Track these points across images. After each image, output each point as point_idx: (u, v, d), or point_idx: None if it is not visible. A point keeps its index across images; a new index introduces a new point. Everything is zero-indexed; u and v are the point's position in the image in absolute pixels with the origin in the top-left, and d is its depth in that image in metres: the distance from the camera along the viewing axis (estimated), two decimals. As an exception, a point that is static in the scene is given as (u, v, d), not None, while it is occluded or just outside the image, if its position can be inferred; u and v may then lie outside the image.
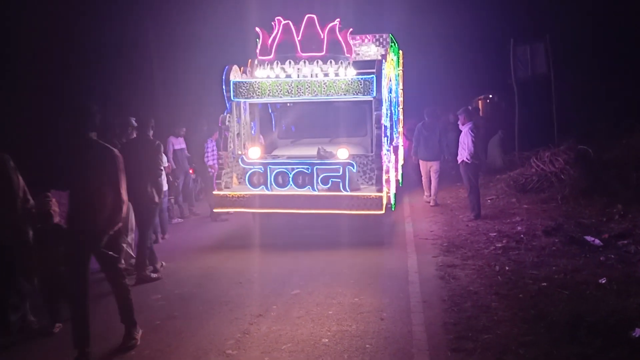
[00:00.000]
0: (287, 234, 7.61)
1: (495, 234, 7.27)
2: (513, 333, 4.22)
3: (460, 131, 8.80)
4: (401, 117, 9.92)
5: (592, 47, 13.32)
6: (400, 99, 9.99)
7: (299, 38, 6.97)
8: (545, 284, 5.21)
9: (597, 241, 6.71)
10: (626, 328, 4.03)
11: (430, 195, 10.06)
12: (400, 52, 9.98)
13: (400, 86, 9.99)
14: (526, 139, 12.31)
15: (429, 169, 9.98)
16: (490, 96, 25.99)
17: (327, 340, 4.31)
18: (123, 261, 6.23)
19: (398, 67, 9.74)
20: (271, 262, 6.54)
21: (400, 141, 9.83)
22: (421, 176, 10.37)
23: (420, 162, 10.17)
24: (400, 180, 9.89)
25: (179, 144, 9.63)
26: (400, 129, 9.84)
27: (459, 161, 8.66)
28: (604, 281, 5.22)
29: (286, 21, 7.03)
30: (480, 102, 29.21)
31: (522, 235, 7.09)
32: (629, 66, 13.01)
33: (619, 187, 8.83)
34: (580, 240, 6.72)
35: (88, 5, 12.31)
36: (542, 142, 11.38)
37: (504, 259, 6.16)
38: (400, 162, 9.93)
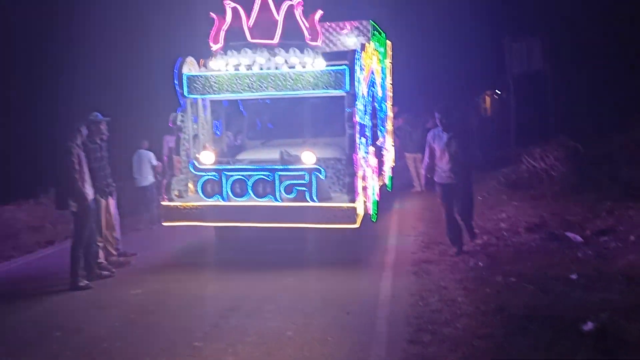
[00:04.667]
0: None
1: (477, 230, 7.31)
2: (471, 326, 4.32)
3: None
4: (390, 113, 9.74)
5: (589, 42, 13.20)
6: (389, 93, 9.67)
7: (249, 23, 6.13)
8: (513, 279, 5.27)
9: (578, 238, 6.72)
10: (580, 322, 4.08)
11: (420, 185, 10.77)
12: (389, 42, 9.67)
13: (389, 80, 9.66)
14: (523, 135, 12.29)
15: (414, 160, 10.89)
16: (498, 92, 25.83)
17: (291, 333, 4.45)
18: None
19: (385, 58, 9.31)
20: (257, 257, 6.70)
21: (389, 140, 9.67)
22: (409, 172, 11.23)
23: (407, 155, 11.02)
24: (389, 184, 9.58)
25: (174, 142, 9.86)
26: (390, 127, 9.71)
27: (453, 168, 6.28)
28: (574, 277, 5.26)
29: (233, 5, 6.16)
30: (487, 97, 29.04)
31: (503, 232, 7.13)
32: (628, 62, 12.87)
33: (609, 184, 8.80)
34: (561, 237, 6.74)
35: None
36: (540, 138, 11.35)
37: (481, 255, 6.22)
38: (390, 163, 9.67)
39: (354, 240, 6.65)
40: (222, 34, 6.30)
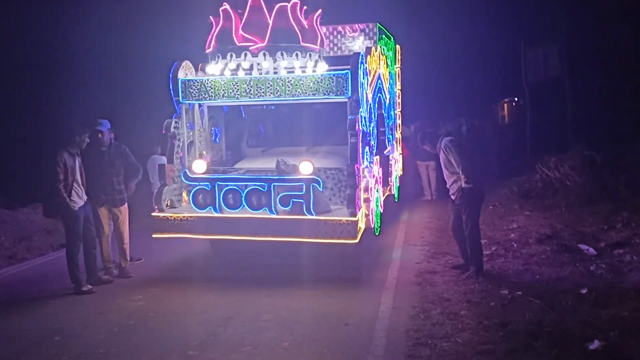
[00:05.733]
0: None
1: (485, 240, 7.12)
2: (473, 341, 4.18)
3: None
4: (399, 121, 9.55)
5: (608, 49, 12.88)
6: (398, 100, 9.46)
7: (242, 24, 5.85)
8: (520, 292, 5.12)
9: (591, 250, 6.52)
10: (586, 339, 3.93)
11: (431, 193, 10.93)
12: (398, 47, 9.51)
13: (398, 86, 9.47)
14: (539, 144, 12.06)
15: (426, 168, 10.79)
16: (517, 99, 25.43)
17: (287, 344, 4.37)
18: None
19: (394, 63, 9.12)
20: (255, 269, 6.66)
21: (397, 149, 9.45)
22: (420, 181, 11.16)
23: (419, 163, 10.90)
24: (397, 195, 9.41)
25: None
26: (398, 135, 9.49)
27: (454, 193, 5.90)
28: (584, 291, 5.08)
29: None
30: (505, 105, 28.64)
31: (513, 243, 6.95)
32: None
33: (626, 194, 8.55)
34: (573, 249, 6.55)
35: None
36: (556, 147, 11.12)
37: (488, 267, 6.06)
38: (397, 173, 9.45)
39: (356, 253, 6.40)
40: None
